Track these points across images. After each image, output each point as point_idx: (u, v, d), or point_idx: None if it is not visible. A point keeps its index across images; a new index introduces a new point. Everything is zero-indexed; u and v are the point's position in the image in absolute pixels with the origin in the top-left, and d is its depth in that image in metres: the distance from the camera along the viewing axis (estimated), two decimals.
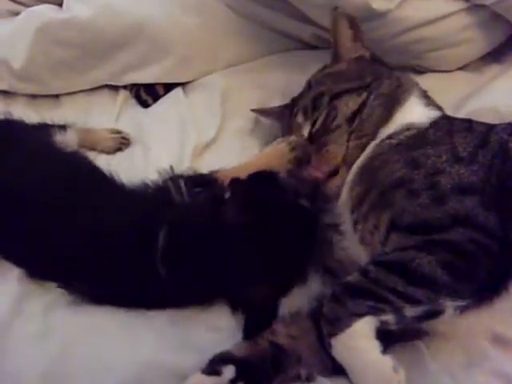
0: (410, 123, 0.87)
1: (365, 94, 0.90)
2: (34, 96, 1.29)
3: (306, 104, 0.95)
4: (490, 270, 0.68)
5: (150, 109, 1.25)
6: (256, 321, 0.79)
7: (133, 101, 1.28)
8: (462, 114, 0.99)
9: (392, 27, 1.07)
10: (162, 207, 0.85)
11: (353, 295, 0.69)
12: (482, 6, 1.07)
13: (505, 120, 0.89)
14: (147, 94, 1.26)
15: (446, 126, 0.85)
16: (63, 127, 1.06)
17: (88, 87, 1.29)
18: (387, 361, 0.66)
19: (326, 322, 0.70)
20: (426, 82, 1.01)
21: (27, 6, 1.32)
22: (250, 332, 0.78)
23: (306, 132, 0.94)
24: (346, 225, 0.85)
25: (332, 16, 0.96)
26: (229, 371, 0.70)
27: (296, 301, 0.82)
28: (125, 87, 1.29)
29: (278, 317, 0.79)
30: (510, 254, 0.69)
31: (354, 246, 0.83)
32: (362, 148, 0.87)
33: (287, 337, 0.75)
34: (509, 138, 0.79)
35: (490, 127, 0.83)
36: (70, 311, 0.84)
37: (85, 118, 1.22)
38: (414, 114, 0.89)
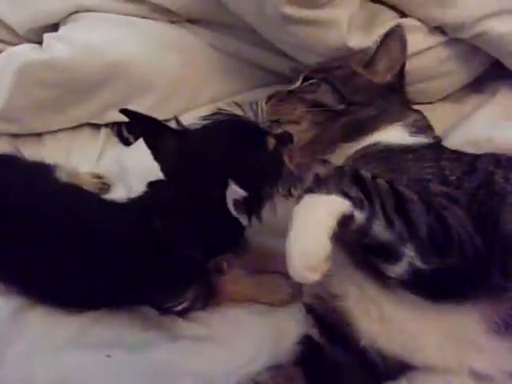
0: (378, 141, 0.88)
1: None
2: (15, 135, 1.28)
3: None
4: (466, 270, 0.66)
5: (132, 147, 1.24)
6: None
7: (115, 139, 1.28)
8: (446, 145, 0.97)
9: None
10: None
11: (352, 179, 0.69)
12: (460, 39, 1.08)
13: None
14: (129, 132, 1.25)
15: (429, 153, 0.84)
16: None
17: (69, 126, 1.28)
18: (327, 245, 0.62)
19: (314, 181, 0.69)
20: None
21: (8, 43, 1.32)
22: None
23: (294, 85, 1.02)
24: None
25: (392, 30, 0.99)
26: None
27: (280, 348, 0.81)
28: (106, 125, 1.29)
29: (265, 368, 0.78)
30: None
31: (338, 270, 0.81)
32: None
33: None
34: (495, 170, 0.77)
35: (476, 156, 0.83)
36: (53, 356, 0.82)
37: (67, 157, 1.22)
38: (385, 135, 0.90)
